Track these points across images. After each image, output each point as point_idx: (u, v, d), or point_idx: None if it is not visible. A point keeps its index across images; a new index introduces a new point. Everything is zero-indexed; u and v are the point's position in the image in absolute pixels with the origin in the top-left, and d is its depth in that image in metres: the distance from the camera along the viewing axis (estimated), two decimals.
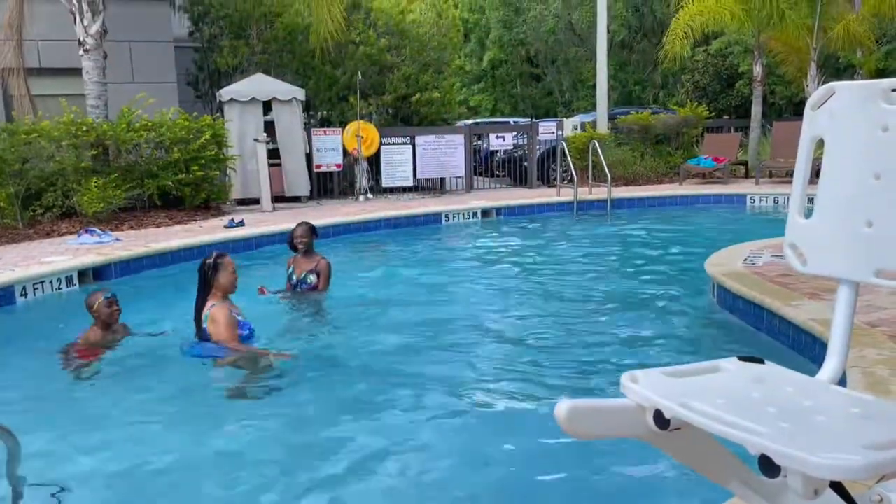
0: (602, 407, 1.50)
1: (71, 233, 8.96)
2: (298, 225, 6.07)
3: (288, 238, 6.11)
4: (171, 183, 10.50)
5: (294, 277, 5.99)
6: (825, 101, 1.71)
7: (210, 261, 4.57)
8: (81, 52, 10.65)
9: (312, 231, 6.04)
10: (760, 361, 1.69)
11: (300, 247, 5.97)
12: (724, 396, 1.46)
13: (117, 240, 8.34)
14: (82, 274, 6.86)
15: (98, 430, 3.61)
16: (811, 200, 1.71)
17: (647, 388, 1.49)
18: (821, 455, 1.17)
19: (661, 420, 1.45)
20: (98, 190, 9.55)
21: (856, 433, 1.30)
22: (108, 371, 4.47)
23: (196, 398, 4.09)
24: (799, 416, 1.38)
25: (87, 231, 8.50)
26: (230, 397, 4.08)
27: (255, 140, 11.67)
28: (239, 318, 4.61)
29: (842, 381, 3.21)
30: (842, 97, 1.68)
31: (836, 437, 1.29)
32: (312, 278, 5.92)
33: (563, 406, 1.42)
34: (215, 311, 4.49)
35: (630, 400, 1.49)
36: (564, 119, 19.83)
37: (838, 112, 1.68)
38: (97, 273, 7.03)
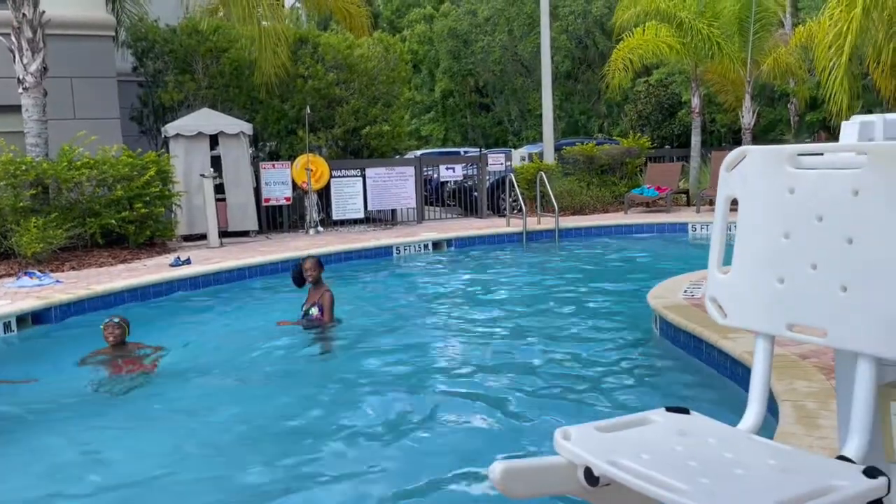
0: (535, 466, 1.54)
1: (9, 275, 8.69)
2: (305, 259, 6.39)
3: (294, 274, 6.33)
4: (114, 221, 10.29)
5: (303, 308, 6.28)
6: (738, 163, 1.82)
7: None
8: (21, 90, 10.42)
9: (318, 264, 6.29)
10: (686, 412, 1.76)
11: (309, 280, 6.25)
12: (650, 451, 1.52)
13: (58, 282, 8.11)
14: (21, 319, 6.65)
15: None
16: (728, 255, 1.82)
17: (577, 444, 1.54)
18: None
19: (591, 477, 1.50)
20: (37, 230, 9.29)
21: (770, 488, 1.36)
22: None
23: None
24: (719, 471, 1.45)
25: (26, 273, 8.26)
26: None
27: (202, 175, 11.55)
28: None
29: (774, 414, 3.33)
30: (753, 160, 1.79)
31: (751, 493, 1.36)
32: (315, 311, 6.17)
33: (498, 467, 1.46)
34: None
35: (562, 457, 1.54)
36: (513, 150, 20.14)
37: (750, 174, 1.78)
38: (36, 317, 6.83)
